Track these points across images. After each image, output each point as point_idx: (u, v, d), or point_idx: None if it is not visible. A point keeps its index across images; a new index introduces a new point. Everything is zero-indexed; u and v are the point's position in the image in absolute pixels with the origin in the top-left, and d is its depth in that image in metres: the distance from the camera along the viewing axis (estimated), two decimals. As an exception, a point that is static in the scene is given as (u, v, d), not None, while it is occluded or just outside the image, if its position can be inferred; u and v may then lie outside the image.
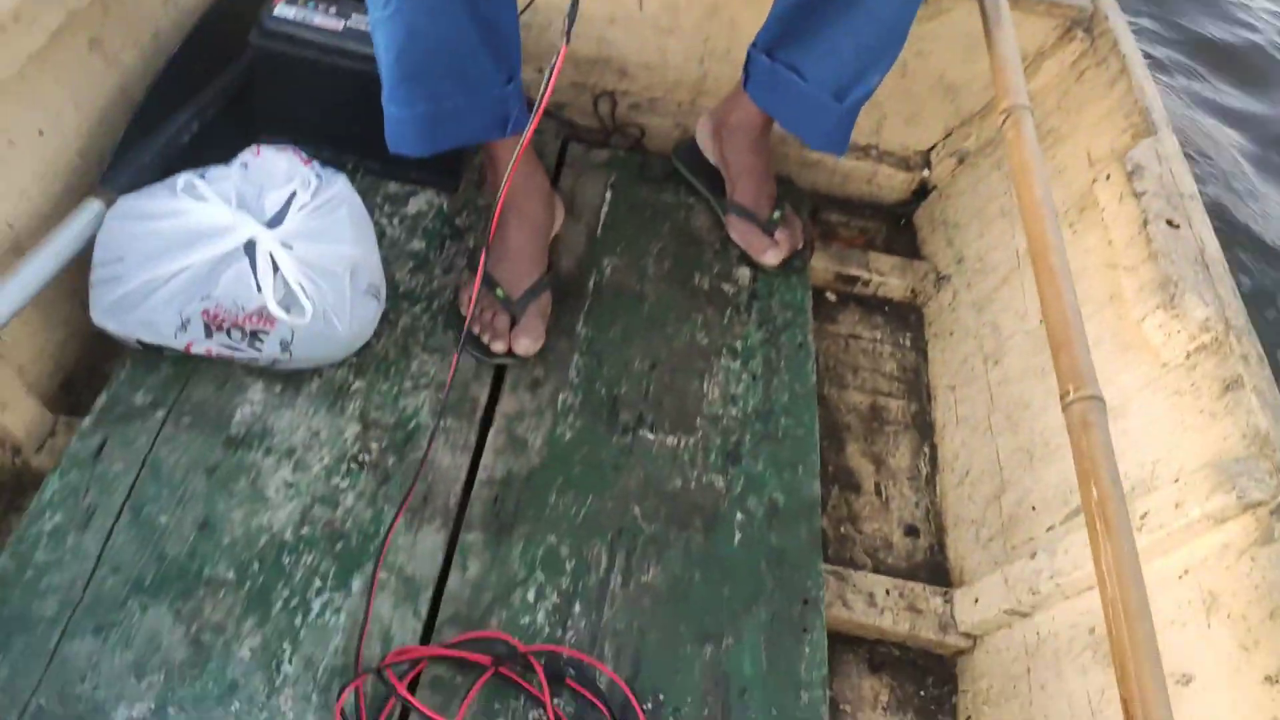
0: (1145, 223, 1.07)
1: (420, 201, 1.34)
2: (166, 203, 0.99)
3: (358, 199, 1.10)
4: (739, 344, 1.26)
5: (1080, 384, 0.80)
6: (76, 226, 1.01)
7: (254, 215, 1.00)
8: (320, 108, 1.29)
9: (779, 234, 1.37)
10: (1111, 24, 1.34)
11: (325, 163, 1.26)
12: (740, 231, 1.38)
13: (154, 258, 0.97)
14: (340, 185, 1.08)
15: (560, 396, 1.16)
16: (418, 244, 1.28)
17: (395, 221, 1.30)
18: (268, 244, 0.99)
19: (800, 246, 1.39)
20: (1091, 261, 1.16)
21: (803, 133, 1.25)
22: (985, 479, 1.19)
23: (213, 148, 1.21)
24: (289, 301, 0.99)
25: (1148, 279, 1.03)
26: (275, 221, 1.01)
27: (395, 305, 1.19)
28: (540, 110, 0.86)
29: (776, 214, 1.38)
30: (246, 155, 1.06)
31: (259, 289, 0.98)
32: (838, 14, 1.11)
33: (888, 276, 1.49)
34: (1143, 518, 0.91)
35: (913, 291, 1.50)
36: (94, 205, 1.03)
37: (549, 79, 0.83)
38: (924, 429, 1.34)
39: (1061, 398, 0.81)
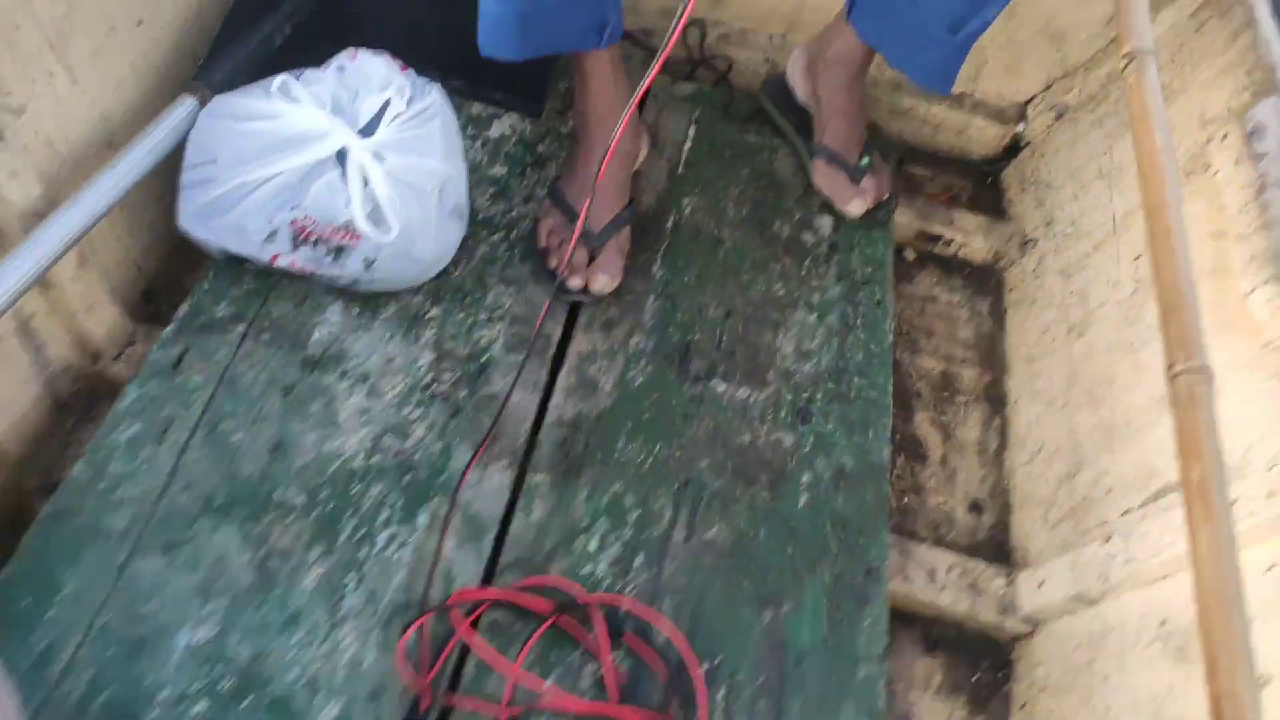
0: (1262, 188, 1.01)
1: (504, 125, 1.31)
2: (261, 103, 0.97)
3: (451, 112, 1.07)
4: (816, 297, 1.23)
5: (1190, 354, 0.76)
6: (171, 122, 1.00)
7: (348, 122, 0.98)
8: (411, 20, 1.26)
9: (866, 182, 1.32)
10: None
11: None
12: (826, 177, 1.33)
13: (247, 161, 0.95)
14: (435, 96, 1.05)
15: (633, 340, 1.14)
16: (499, 169, 1.25)
17: (478, 145, 1.28)
18: (359, 154, 0.97)
19: (885, 197, 1.34)
20: (1197, 230, 1.10)
21: (909, 67, 1.19)
22: (1059, 457, 1.16)
23: (304, 52, 1.19)
24: (376, 217, 0.98)
25: (1259, 249, 0.98)
26: (369, 130, 0.99)
27: (474, 232, 1.17)
28: (667, 51, 0.81)
29: (865, 160, 1.32)
30: (343, 58, 1.03)
31: (348, 202, 0.96)
32: None
33: (971, 237, 1.44)
34: (1231, 504, 0.88)
35: (995, 254, 1.45)
36: (188, 102, 1.01)
37: (679, 18, 0.79)
38: (996, 401, 1.31)
39: (1168, 369, 0.77)
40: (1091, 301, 1.24)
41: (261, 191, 0.95)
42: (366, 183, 0.96)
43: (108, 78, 0.99)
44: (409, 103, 1.00)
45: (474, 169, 1.24)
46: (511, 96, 1.31)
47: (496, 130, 1.30)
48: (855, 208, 1.31)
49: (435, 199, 1.00)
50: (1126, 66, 0.96)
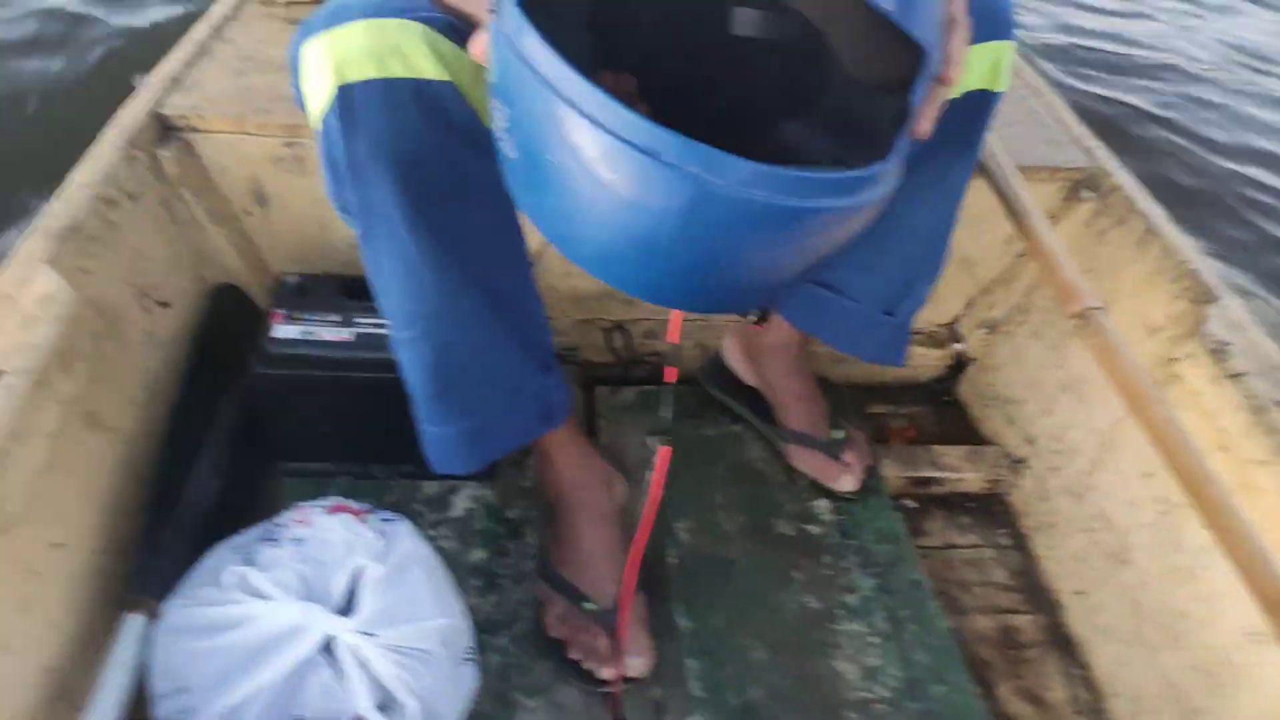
0: (1259, 409, 0.99)
1: (464, 499, 1.20)
2: (220, 608, 0.83)
3: (427, 548, 0.96)
4: (852, 598, 1.13)
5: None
6: (123, 655, 0.85)
7: (322, 603, 0.85)
8: (338, 423, 1.15)
9: (847, 455, 1.26)
10: (1118, 180, 1.29)
11: (354, 476, 1.13)
12: (804, 460, 1.28)
13: (226, 681, 0.80)
14: (406, 538, 0.93)
15: None
16: (477, 554, 1.13)
17: (444, 529, 1.16)
18: (348, 639, 0.83)
19: (871, 463, 1.29)
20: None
21: (854, 350, 1.16)
22: (1164, 706, 1.06)
23: (236, 491, 1.07)
24: (388, 703, 0.83)
25: None
26: (348, 608, 0.86)
27: (477, 639, 1.03)
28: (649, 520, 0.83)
29: (840, 433, 1.28)
30: (295, 527, 0.91)
31: (351, 697, 0.81)
32: (874, 232, 1.03)
33: (960, 470, 1.38)
34: None
35: (990, 482, 1.39)
36: (133, 622, 0.87)
37: (648, 493, 0.81)
38: (1064, 645, 1.21)
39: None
40: (1118, 525, 1.18)
41: (253, 710, 0.79)
42: (364, 666, 0.82)
43: (41, 622, 0.84)
44: (383, 558, 0.88)
45: (452, 560, 1.11)
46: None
47: (458, 507, 1.19)
48: (848, 483, 1.26)
49: (444, 656, 0.87)
50: (1081, 329, 0.92)
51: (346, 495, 1.15)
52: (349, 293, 1.14)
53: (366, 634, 0.84)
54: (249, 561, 0.87)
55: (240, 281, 1.31)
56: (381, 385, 1.09)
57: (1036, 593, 1.28)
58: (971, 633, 1.23)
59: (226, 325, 1.21)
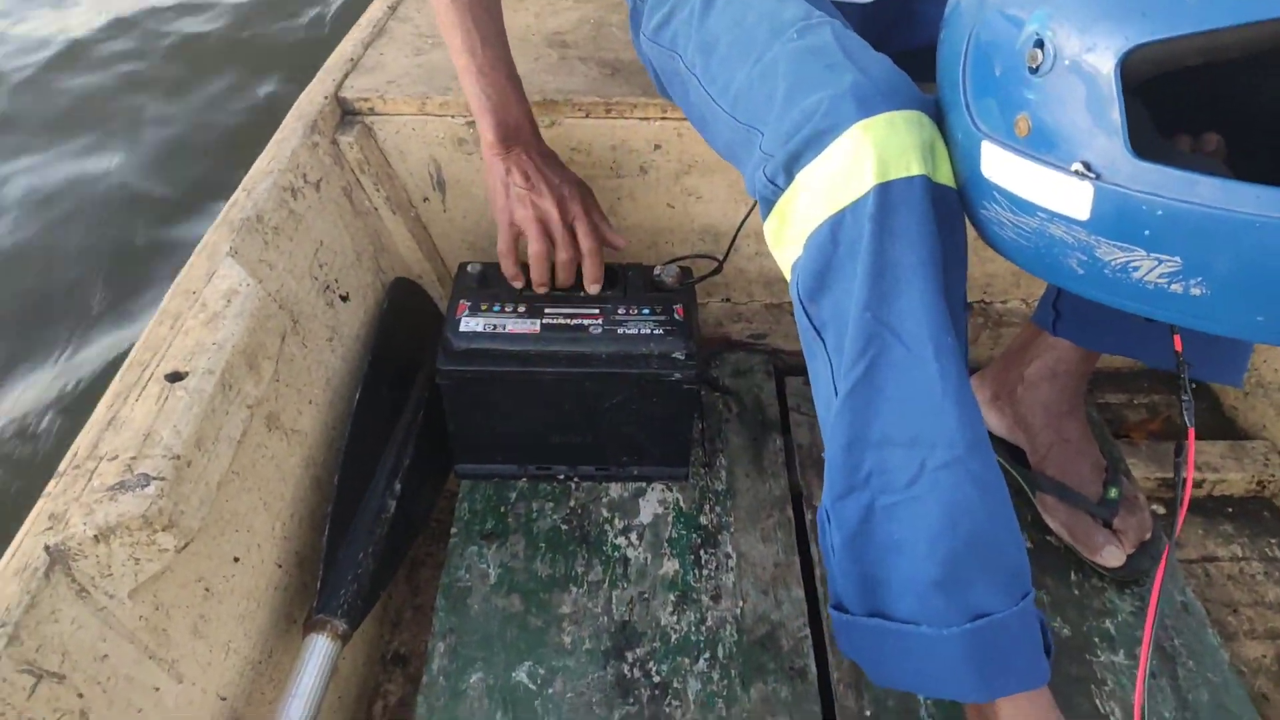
0: None
1: (652, 503, 1.10)
2: None
3: None
4: (1108, 623, 0.97)
5: None
6: (306, 681, 0.79)
7: None
8: (524, 422, 1.07)
9: (1120, 521, 1.01)
10: None
11: (532, 478, 1.08)
12: (1061, 517, 1.04)
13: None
14: None
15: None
16: (669, 566, 1.03)
17: (633, 537, 1.06)
18: None
19: (1148, 538, 1.02)
20: None
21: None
22: None
23: (417, 497, 1.01)
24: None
25: None
26: None
27: (672, 662, 0.93)
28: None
29: (1114, 492, 1.01)
30: None
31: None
32: None
33: (1222, 470, 1.19)
34: None
35: (1259, 482, 1.19)
36: (318, 645, 0.81)
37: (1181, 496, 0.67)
38: (1363, 676, 1.02)
39: None
40: None
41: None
42: None
43: (215, 646, 0.79)
44: None
45: (640, 573, 1.02)
46: (650, 465, 1.11)
47: (646, 512, 1.09)
48: (1110, 557, 1.00)
49: None
50: None
51: (526, 500, 1.09)
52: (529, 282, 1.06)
53: None
54: None
55: (415, 273, 1.26)
56: (569, 380, 1.02)
57: (1321, 614, 1.09)
58: (1244, 662, 1.05)
59: (405, 319, 1.15)
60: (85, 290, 2.01)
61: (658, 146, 1.21)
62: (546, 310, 1.03)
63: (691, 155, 1.22)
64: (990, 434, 1.04)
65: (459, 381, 1.03)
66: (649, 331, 1.02)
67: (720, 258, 1.10)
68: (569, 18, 1.37)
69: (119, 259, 2.09)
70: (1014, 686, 0.73)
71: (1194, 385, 1.34)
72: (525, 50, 1.26)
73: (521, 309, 1.04)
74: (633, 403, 1.05)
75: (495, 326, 1.02)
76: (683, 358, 1.01)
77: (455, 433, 1.08)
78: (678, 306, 1.05)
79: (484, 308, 1.04)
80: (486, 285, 1.07)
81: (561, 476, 1.12)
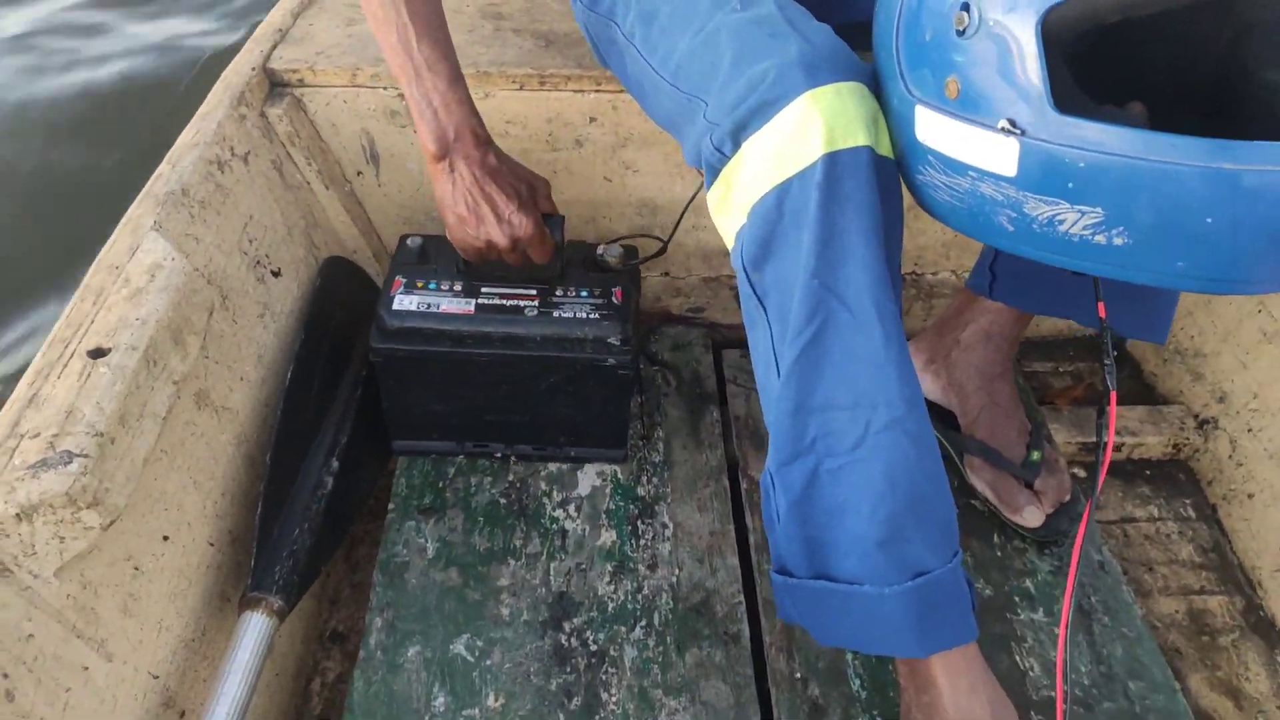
0: None
1: (590, 477, 1.11)
2: None
3: None
4: (1028, 583, 1.01)
5: None
6: (241, 658, 0.79)
7: None
8: (459, 401, 1.07)
9: (1041, 483, 1.04)
10: None
11: (470, 455, 1.07)
12: (984, 479, 1.07)
13: None
14: None
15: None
16: (607, 537, 1.05)
17: (571, 510, 1.08)
18: None
19: (1067, 499, 1.04)
20: None
21: (1120, 326, 0.95)
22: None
23: (353, 475, 1.01)
24: None
25: None
26: None
27: (609, 631, 0.95)
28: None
29: (1035, 455, 1.04)
30: None
31: None
32: None
33: (1140, 434, 1.24)
34: None
35: (1175, 446, 1.24)
36: (254, 622, 0.81)
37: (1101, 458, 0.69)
38: (1264, 628, 1.07)
39: None
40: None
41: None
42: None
43: (146, 624, 0.78)
44: None
45: (578, 544, 1.03)
46: (587, 446, 1.12)
47: (584, 485, 1.10)
48: (1031, 517, 1.03)
49: None
50: None
51: (464, 475, 1.09)
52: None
53: None
54: None
55: (350, 248, 1.25)
56: (503, 362, 1.02)
57: (1230, 571, 1.14)
58: (1158, 617, 1.10)
59: (340, 294, 1.14)
60: (4, 269, 1.95)
61: (593, 119, 1.21)
62: (483, 290, 1.03)
63: (628, 128, 1.22)
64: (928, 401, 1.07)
65: (393, 360, 1.02)
66: (585, 315, 1.02)
67: (664, 238, 1.10)
68: None
69: (44, 236, 2.04)
70: (948, 642, 0.76)
71: (1116, 353, 1.39)
72: (459, 22, 1.25)
73: (458, 287, 1.03)
74: (568, 386, 1.04)
75: (429, 305, 1.02)
76: (618, 343, 1.01)
77: (390, 410, 1.08)
78: (617, 289, 1.04)
79: (420, 285, 1.03)
80: (426, 260, 1.06)
81: (499, 455, 1.12)
